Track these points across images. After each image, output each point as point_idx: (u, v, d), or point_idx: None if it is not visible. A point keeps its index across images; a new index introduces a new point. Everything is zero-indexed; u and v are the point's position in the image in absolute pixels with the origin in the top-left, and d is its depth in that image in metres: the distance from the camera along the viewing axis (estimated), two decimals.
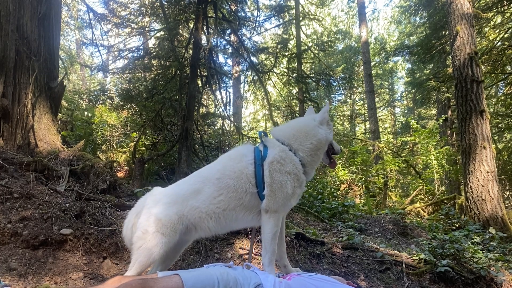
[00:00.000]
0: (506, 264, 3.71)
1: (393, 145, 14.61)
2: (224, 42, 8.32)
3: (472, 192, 5.68)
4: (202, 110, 8.49)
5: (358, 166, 9.86)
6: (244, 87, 14.09)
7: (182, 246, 2.06)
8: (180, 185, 1.97)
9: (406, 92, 21.31)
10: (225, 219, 1.87)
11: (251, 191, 1.85)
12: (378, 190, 9.33)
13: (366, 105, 17.21)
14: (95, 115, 7.95)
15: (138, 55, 7.82)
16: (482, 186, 5.56)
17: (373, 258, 3.39)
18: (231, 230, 2.11)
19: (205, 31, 6.79)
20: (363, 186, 9.17)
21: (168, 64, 7.34)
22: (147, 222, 1.81)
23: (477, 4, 8.68)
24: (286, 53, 9.65)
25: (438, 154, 8.85)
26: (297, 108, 10.97)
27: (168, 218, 1.80)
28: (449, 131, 11.76)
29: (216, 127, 9.96)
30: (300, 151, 1.93)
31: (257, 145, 2.04)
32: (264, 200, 1.83)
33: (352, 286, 1.84)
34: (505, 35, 8.50)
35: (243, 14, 8.83)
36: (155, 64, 7.98)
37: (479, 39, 9.01)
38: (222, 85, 7.74)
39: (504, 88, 10.63)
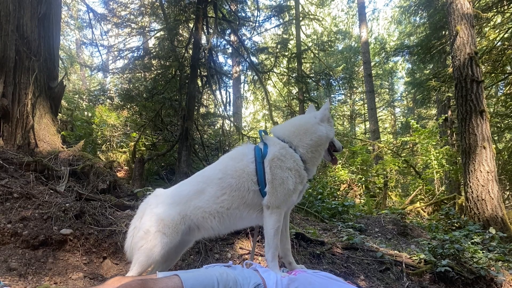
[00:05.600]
0: (506, 264, 3.70)
1: (393, 145, 14.60)
2: (224, 42, 8.33)
3: (472, 192, 5.67)
4: (202, 110, 8.49)
5: (358, 166, 9.85)
6: (244, 87, 14.09)
7: (183, 247, 2.07)
8: (182, 186, 1.97)
9: (406, 92, 21.30)
10: (229, 218, 1.88)
11: (253, 189, 1.86)
12: (378, 190, 9.32)
13: (366, 105, 17.21)
14: (95, 115, 7.95)
15: (138, 55, 7.83)
16: (482, 186, 5.56)
17: (373, 258, 3.39)
18: (234, 230, 2.12)
19: (205, 31, 6.79)
20: (363, 186, 9.16)
21: (168, 64, 7.34)
22: (150, 222, 1.81)
23: (477, 4, 8.67)
24: (286, 53, 9.64)
25: (438, 154, 8.85)
26: (297, 108, 10.97)
27: (170, 218, 1.80)
28: (449, 131, 11.75)
29: (216, 127, 9.96)
30: (300, 148, 1.93)
31: (257, 143, 2.05)
32: (266, 197, 1.84)
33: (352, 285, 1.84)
34: (505, 35, 8.49)
35: (243, 14, 8.83)
36: (155, 64, 7.98)
37: (479, 39, 9.00)
38: (222, 85, 7.74)
39: (504, 88, 10.63)
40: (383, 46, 18.11)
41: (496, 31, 9.02)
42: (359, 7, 15.85)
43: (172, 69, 7.19)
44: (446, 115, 11.30)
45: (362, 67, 16.24)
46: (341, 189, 8.83)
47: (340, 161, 9.95)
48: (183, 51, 7.10)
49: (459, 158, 7.69)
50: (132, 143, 6.99)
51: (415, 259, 3.46)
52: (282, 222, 1.91)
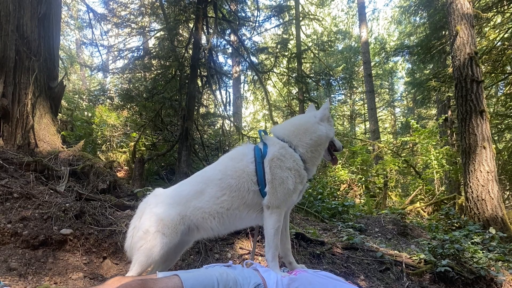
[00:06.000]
0: (506, 264, 3.70)
1: (393, 145, 14.61)
2: (224, 42, 8.33)
3: (472, 192, 5.67)
4: (202, 110, 8.49)
5: (358, 166, 9.85)
6: (244, 87, 14.10)
7: (183, 247, 2.07)
8: (182, 186, 1.97)
9: (406, 92, 21.30)
10: (229, 218, 1.87)
11: (253, 189, 1.85)
12: (378, 190, 9.32)
13: (366, 105, 17.22)
14: (95, 115, 7.95)
15: (138, 55, 7.83)
16: (482, 186, 5.56)
17: (373, 258, 3.39)
18: (234, 230, 2.12)
19: (205, 31, 6.79)
20: (363, 186, 9.16)
21: (168, 64, 7.34)
22: (149, 222, 1.81)
23: (477, 4, 8.67)
24: (286, 53, 9.64)
25: (438, 154, 8.85)
26: (297, 108, 10.97)
27: (170, 218, 1.80)
28: (449, 131, 11.75)
29: (216, 127, 9.96)
30: (300, 147, 1.93)
31: (257, 143, 2.04)
32: (266, 197, 1.84)
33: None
34: (505, 35, 8.49)
35: (243, 14, 8.83)
36: (155, 64, 7.98)
37: (479, 39, 9.00)
38: (222, 85, 7.74)
39: (504, 88, 10.63)
40: (383, 46, 18.11)
41: (496, 31, 9.03)
42: (359, 7, 15.85)
43: (172, 69, 7.19)
44: (446, 115, 11.30)
45: (362, 67, 16.24)
46: (341, 189, 8.83)
47: (340, 161, 9.95)
48: (183, 51, 7.10)
49: (459, 158, 7.69)
50: (132, 143, 6.99)
51: (415, 259, 3.45)
52: (282, 222, 1.91)
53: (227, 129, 9.58)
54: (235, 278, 1.56)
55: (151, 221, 1.80)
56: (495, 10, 8.62)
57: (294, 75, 9.85)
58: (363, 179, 9.19)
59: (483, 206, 5.50)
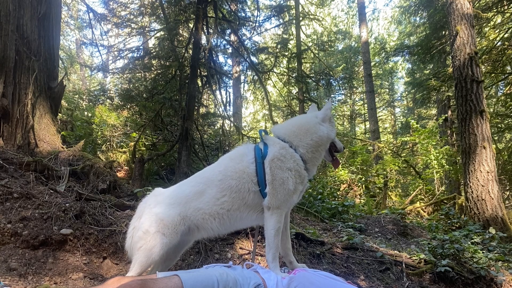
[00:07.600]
0: (506, 264, 3.70)
1: (393, 145, 14.61)
2: (224, 42, 8.33)
3: (472, 192, 5.67)
4: (202, 110, 8.49)
5: (358, 166, 9.86)
6: (244, 87, 14.11)
7: (183, 247, 2.06)
8: (183, 187, 1.96)
9: (406, 92, 21.29)
10: (230, 219, 1.87)
11: (253, 190, 1.85)
12: (378, 190, 9.32)
13: (366, 105, 17.22)
14: (95, 115, 7.95)
15: (138, 55, 7.83)
16: (482, 186, 5.56)
17: (373, 258, 3.39)
18: (235, 230, 2.11)
19: (205, 31, 6.79)
20: (363, 186, 9.17)
21: (168, 64, 7.34)
22: (149, 222, 1.81)
23: (477, 4, 8.67)
24: (286, 53, 9.65)
25: (438, 154, 8.85)
26: (297, 108, 10.98)
27: (170, 219, 1.80)
28: (449, 131, 11.75)
29: (216, 127, 9.96)
30: (301, 148, 1.92)
31: (257, 143, 2.04)
32: (266, 197, 1.83)
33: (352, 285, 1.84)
34: (505, 35, 8.49)
35: (243, 14, 8.83)
36: (155, 64, 7.98)
37: (479, 39, 9.00)
38: (222, 85, 7.74)
39: (504, 88, 10.63)
40: (383, 46, 18.10)
41: (496, 31, 9.03)
42: (359, 7, 15.85)
43: (172, 69, 7.19)
44: (446, 115, 11.30)
45: (362, 67, 16.24)
46: (341, 189, 8.83)
47: (340, 161, 9.94)
48: (183, 51, 7.10)
49: (459, 158, 7.69)
50: (132, 143, 6.99)
51: (415, 259, 3.45)
52: (282, 222, 1.91)
53: (227, 129, 9.59)
54: (235, 278, 1.56)
55: (151, 221, 1.80)
56: (495, 10, 8.62)
57: (294, 75, 9.85)
58: (363, 179, 9.19)
59: (483, 206, 5.50)
